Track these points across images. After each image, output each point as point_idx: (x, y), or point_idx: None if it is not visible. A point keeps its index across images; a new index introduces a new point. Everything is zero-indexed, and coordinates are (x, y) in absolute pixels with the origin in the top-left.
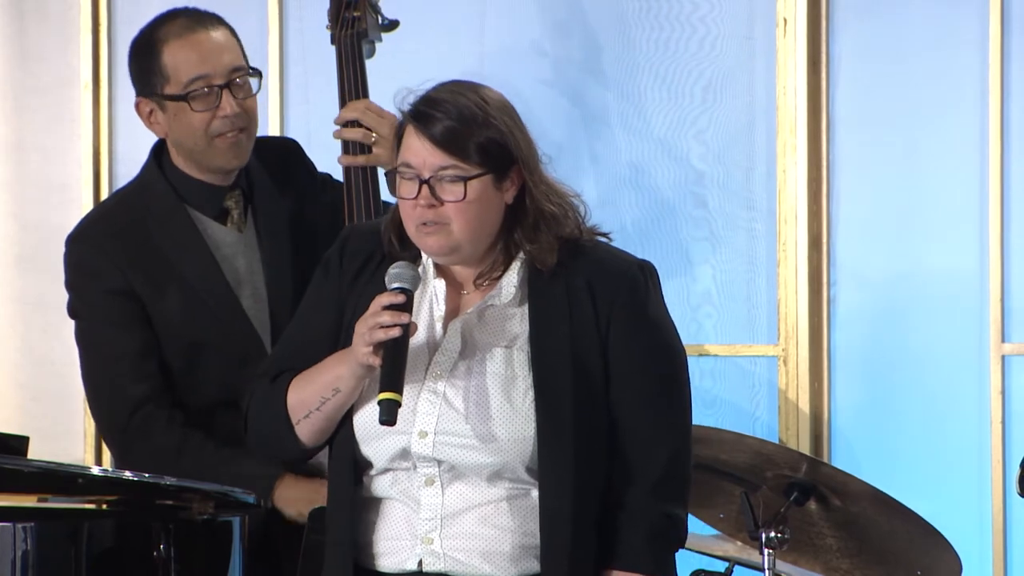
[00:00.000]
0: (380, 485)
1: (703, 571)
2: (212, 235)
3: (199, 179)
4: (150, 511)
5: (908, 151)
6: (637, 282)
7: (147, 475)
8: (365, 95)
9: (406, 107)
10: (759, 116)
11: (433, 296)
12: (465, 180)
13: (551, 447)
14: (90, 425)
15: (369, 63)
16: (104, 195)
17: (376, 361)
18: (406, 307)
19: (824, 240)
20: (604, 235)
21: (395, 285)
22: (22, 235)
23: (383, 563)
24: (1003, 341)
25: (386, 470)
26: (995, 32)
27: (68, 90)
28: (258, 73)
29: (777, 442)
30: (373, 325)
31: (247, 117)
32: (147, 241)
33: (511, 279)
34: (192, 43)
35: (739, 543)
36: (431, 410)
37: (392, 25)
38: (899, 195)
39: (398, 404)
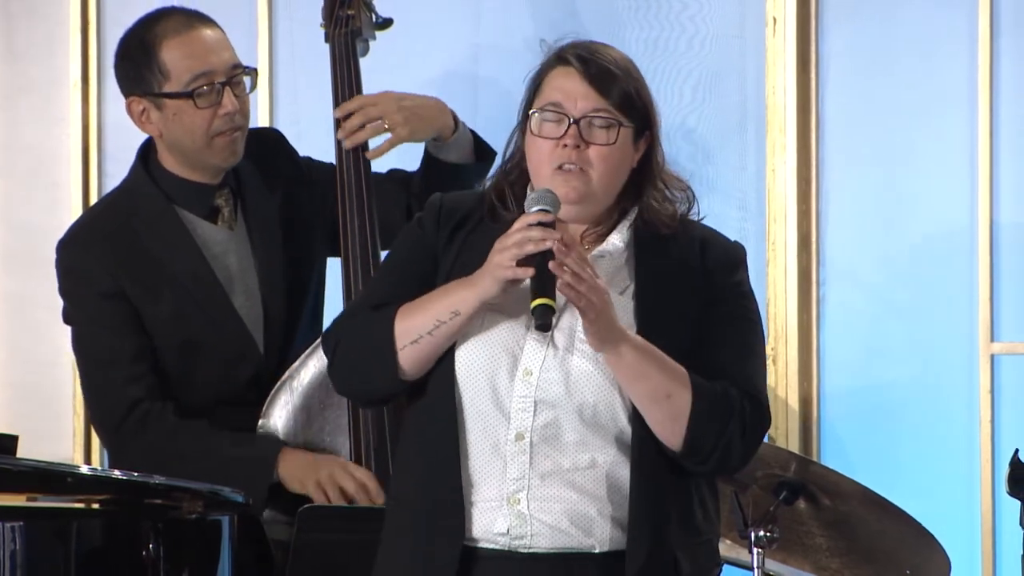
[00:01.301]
0: (470, 438)
1: None
2: (202, 234)
3: (188, 179)
4: (139, 510)
5: (898, 151)
6: (741, 262)
7: (136, 474)
8: (359, 93)
9: (558, 49)
10: (749, 115)
11: None
12: (619, 126)
13: None
14: (79, 425)
15: (363, 61)
16: (93, 195)
17: (522, 273)
18: (551, 226)
19: (814, 239)
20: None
21: (538, 207)
22: (10, 235)
23: (473, 527)
24: (992, 340)
25: (478, 417)
26: (984, 32)
27: (56, 89)
28: (254, 72)
29: (767, 441)
30: (522, 239)
31: (244, 116)
32: (137, 243)
33: (619, 236)
34: (192, 40)
35: (728, 542)
36: (538, 349)
37: (386, 23)
38: (889, 194)
39: (552, 310)
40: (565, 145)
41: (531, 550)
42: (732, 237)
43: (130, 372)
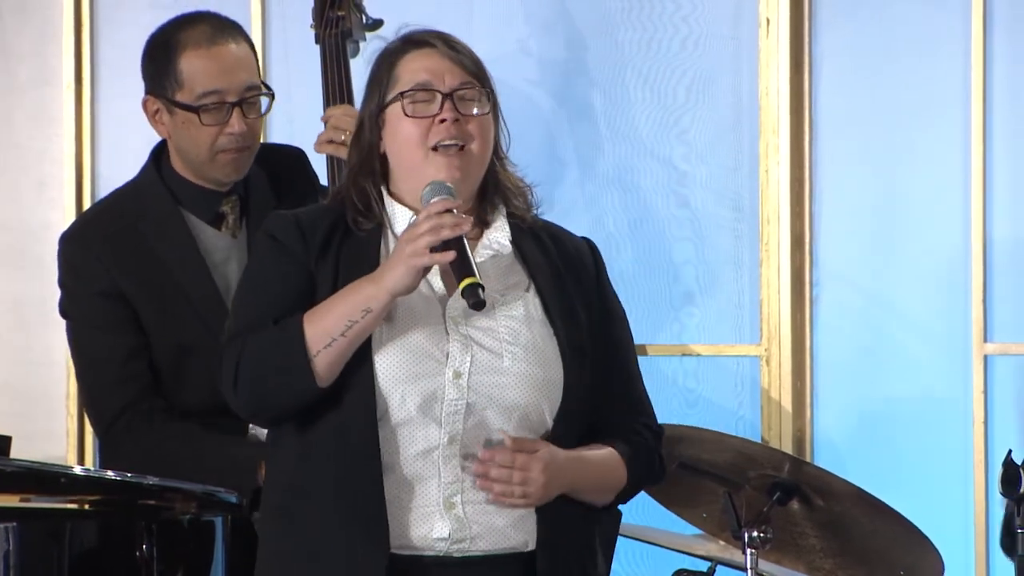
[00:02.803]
0: (396, 444)
1: (685, 571)
2: (205, 240)
3: (196, 183)
4: (133, 511)
5: (891, 152)
6: (600, 259)
7: (129, 475)
8: (350, 94)
9: (415, 35)
10: (742, 116)
11: None
12: (488, 95)
13: (575, 392)
14: (72, 425)
15: (353, 62)
16: (86, 195)
17: (441, 258)
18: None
19: (807, 240)
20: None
21: (441, 196)
22: (2, 234)
23: (411, 534)
24: (985, 341)
25: (405, 423)
26: (978, 32)
27: (49, 89)
28: (271, 93)
29: (760, 442)
30: (435, 226)
31: (252, 136)
32: (140, 244)
33: (502, 233)
34: (212, 55)
35: (722, 543)
36: (464, 351)
37: (376, 24)
38: (882, 195)
39: (481, 286)
40: (443, 120)
41: (466, 554)
42: (726, 238)
43: (123, 372)
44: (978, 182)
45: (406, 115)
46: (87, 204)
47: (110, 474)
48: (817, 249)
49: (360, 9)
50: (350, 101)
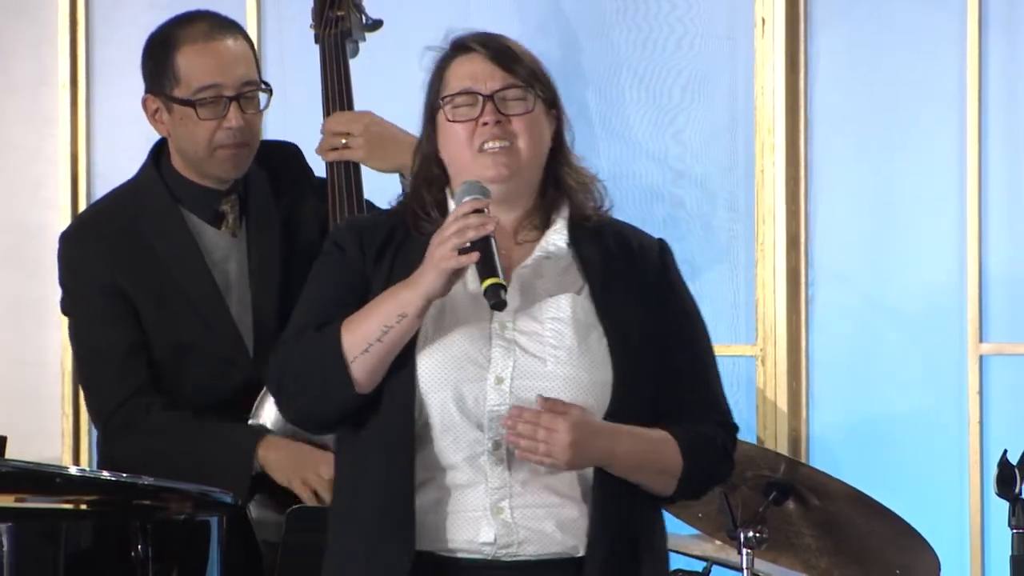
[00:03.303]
0: (439, 450)
1: (682, 571)
2: (205, 239)
3: (196, 182)
4: (128, 511)
5: (886, 151)
6: (671, 258)
7: (124, 475)
8: (349, 94)
9: (460, 40)
10: (738, 116)
11: None
12: (533, 93)
13: (627, 392)
14: (67, 426)
15: (353, 62)
16: (81, 195)
17: (466, 260)
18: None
19: (802, 240)
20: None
21: (471, 197)
22: None
23: (453, 537)
24: (981, 341)
25: (449, 430)
26: (973, 32)
27: (44, 89)
28: (269, 89)
29: (756, 442)
30: (461, 227)
31: (250, 132)
32: (139, 242)
33: (560, 235)
34: (209, 51)
35: (718, 543)
36: (506, 356)
37: (376, 25)
38: (877, 195)
39: (504, 288)
40: (485, 123)
41: (516, 558)
42: (722, 238)
43: (123, 367)
44: (973, 181)
45: (449, 120)
46: (82, 204)
47: (105, 474)
48: (813, 249)
49: (360, 9)
50: (350, 101)
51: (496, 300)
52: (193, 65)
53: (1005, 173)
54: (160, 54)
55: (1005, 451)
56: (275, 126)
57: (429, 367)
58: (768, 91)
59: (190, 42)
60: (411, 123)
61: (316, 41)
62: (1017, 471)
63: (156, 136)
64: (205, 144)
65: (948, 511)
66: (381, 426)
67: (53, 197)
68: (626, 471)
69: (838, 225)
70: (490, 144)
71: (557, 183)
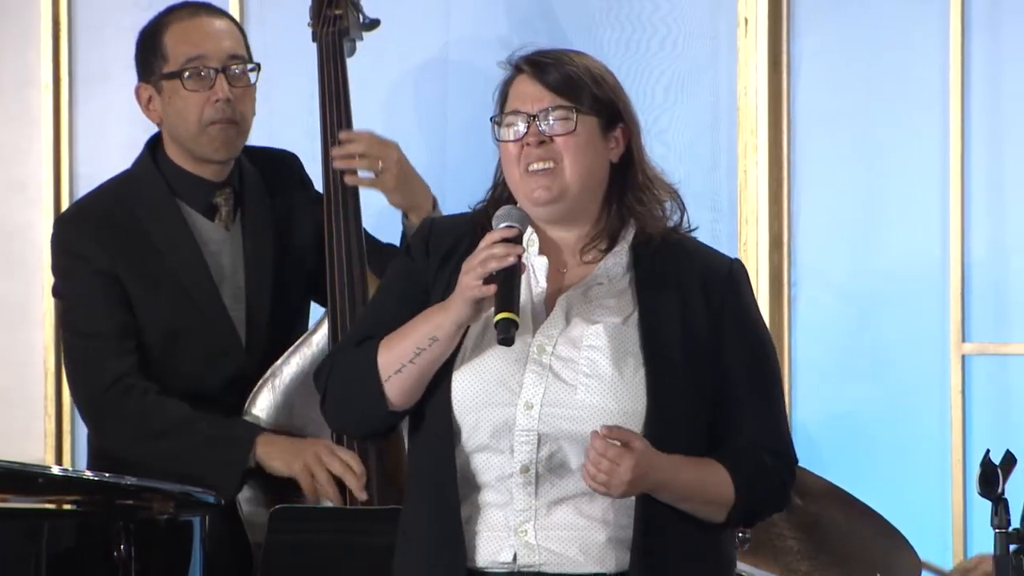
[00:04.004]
0: (473, 469)
1: None
2: (200, 230)
3: (192, 172)
4: (111, 511)
5: (869, 151)
6: (743, 280)
7: (107, 475)
8: (346, 93)
9: (514, 60)
10: (720, 116)
11: (532, 273)
12: (576, 113)
13: (661, 423)
14: (50, 426)
15: (350, 61)
16: (64, 196)
17: (487, 291)
18: (517, 241)
19: (785, 240)
20: (694, 231)
21: (505, 223)
22: None
23: (477, 556)
24: (963, 341)
25: (480, 450)
26: (956, 31)
27: (27, 90)
28: (257, 66)
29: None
30: (486, 257)
31: (240, 108)
32: (135, 229)
33: (620, 258)
34: (192, 27)
35: None
36: (538, 381)
37: (373, 24)
38: (860, 195)
39: (516, 324)
40: (528, 144)
41: (541, 569)
42: (703, 237)
43: (116, 347)
44: (956, 181)
45: (498, 139)
46: (65, 205)
47: (88, 474)
48: (795, 249)
49: (358, 8)
50: (347, 99)
51: (504, 336)
52: (179, 40)
53: (987, 174)
54: (149, 40)
55: (988, 451)
56: (258, 128)
57: (462, 388)
58: (751, 91)
59: (175, 22)
60: (394, 121)
61: (314, 39)
62: (1000, 471)
63: (138, 137)
64: (195, 120)
65: (931, 511)
66: (426, 440)
67: (37, 199)
68: (674, 500)
69: (821, 225)
70: (534, 165)
71: (620, 201)
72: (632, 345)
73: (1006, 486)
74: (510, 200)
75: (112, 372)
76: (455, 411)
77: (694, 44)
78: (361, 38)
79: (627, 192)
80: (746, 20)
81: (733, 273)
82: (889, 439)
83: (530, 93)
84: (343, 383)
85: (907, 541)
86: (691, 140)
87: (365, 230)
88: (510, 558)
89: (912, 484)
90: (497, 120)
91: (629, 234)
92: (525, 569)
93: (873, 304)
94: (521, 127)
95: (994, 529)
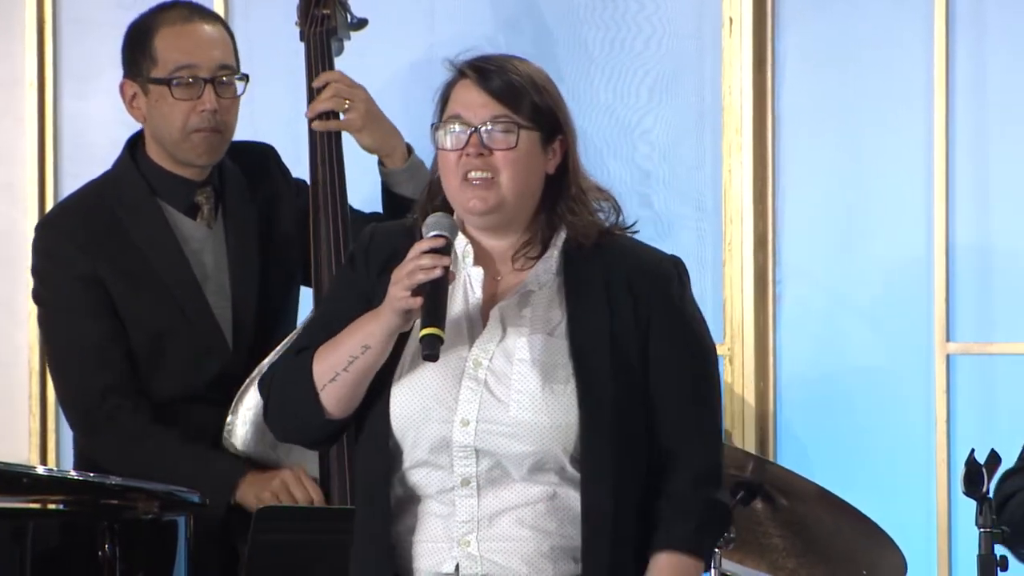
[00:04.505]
0: (413, 483)
1: None
2: (181, 229)
3: (172, 172)
4: (95, 511)
5: (854, 150)
6: (673, 278)
7: (92, 475)
8: None
9: (458, 63)
10: (705, 115)
11: (468, 283)
12: (518, 128)
13: (593, 433)
14: (35, 425)
15: (338, 60)
16: (49, 195)
17: (414, 303)
18: (446, 251)
19: (770, 239)
20: (632, 230)
21: (433, 233)
22: None
23: (418, 565)
24: (948, 340)
25: (421, 465)
26: (940, 31)
27: (12, 89)
28: (245, 77)
29: (723, 441)
30: (412, 269)
31: (225, 118)
32: (117, 230)
33: (549, 264)
34: (186, 32)
35: None
36: (472, 398)
37: (361, 24)
38: (845, 194)
39: (440, 340)
40: (468, 154)
41: None
42: (688, 237)
43: (101, 357)
44: (941, 180)
45: (438, 146)
46: (50, 204)
47: (72, 474)
48: (780, 248)
49: (345, 7)
50: None
51: (429, 352)
52: (170, 46)
53: (972, 172)
54: (139, 38)
55: (972, 450)
56: (243, 125)
57: (400, 404)
58: (735, 90)
59: (168, 25)
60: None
61: (301, 38)
62: (984, 470)
63: (124, 136)
64: (180, 127)
65: (916, 510)
66: (364, 453)
67: (22, 198)
68: None
69: (806, 224)
70: (473, 174)
71: (552, 211)
72: (561, 356)
73: (991, 485)
74: (445, 206)
75: (98, 385)
76: (394, 427)
77: (679, 43)
78: (349, 37)
79: (559, 202)
80: (731, 20)
81: (663, 270)
82: (874, 438)
83: (472, 100)
84: (283, 393)
85: (893, 542)
86: (676, 139)
87: (350, 205)
88: (452, 569)
89: (897, 483)
90: (438, 125)
91: (560, 239)
92: None
93: (858, 303)
94: (462, 137)
95: (979, 528)
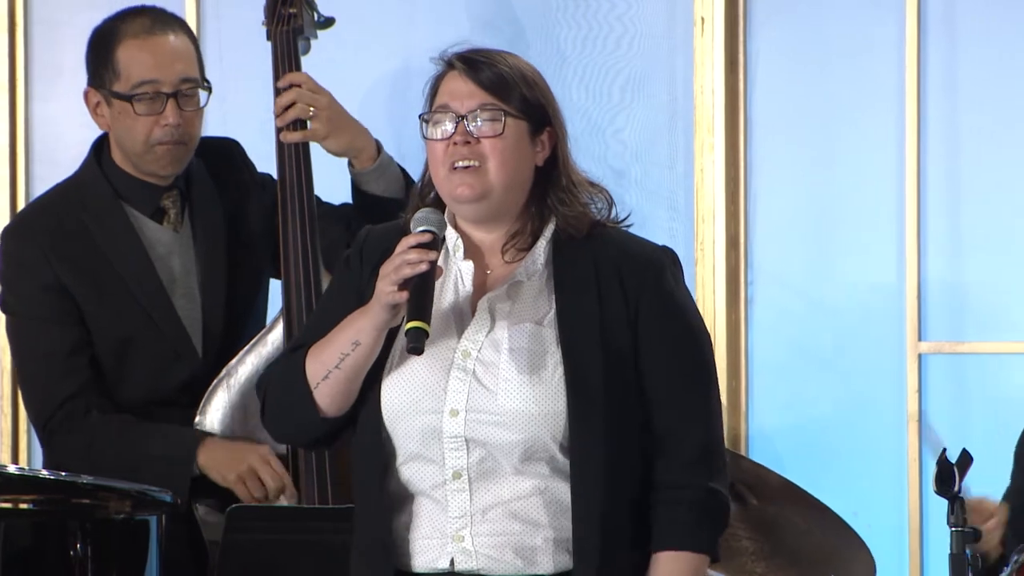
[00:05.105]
0: (407, 478)
1: None
2: (148, 234)
3: (137, 177)
4: (67, 510)
5: (825, 151)
6: (664, 267)
7: (63, 474)
8: None
9: (447, 56)
10: (677, 115)
11: (459, 276)
12: (505, 116)
13: (582, 421)
14: (6, 425)
15: (304, 59)
16: (20, 195)
17: (401, 297)
18: (433, 246)
19: (742, 239)
20: (625, 223)
21: (421, 228)
22: None
23: (415, 563)
24: (920, 340)
25: (413, 459)
26: (911, 33)
27: None
28: (208, 87)
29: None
30: (400, 263)
31: (188, 130)
32: (83, 237)
33: (539, 254)
34: (148, 46)
35: None
36: (461, 388)
37: (328, 22)
38: (816, 194)
39: (426, 333)
40: (455, 143)
41: (478, 573)
42: (660, 237)
43: (65, 366)
44: (912, 181)
45: (425, 137)
46: (21, 205)
47: (44, 473)
48: (752, 248)
49: (312, 7)
50: None
51: (414, 345)
52: (132, 60)
53: (944, 173)
54: (102, 48)
55: (944, 449)
56: (215, 125)
57: (390, 397)
58: (707, 90)
59: (131, 36)
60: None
61: (268, 38)
62: (956, 469)
63: (95, 137)
64: (143, 141)
65: (887, 509)
66: (359, 449)
67: None
68: None
69: (777, 225)
70: (459, 163)
71: (541, 201)
72: (550, 345)
73: (962, 485)
74: (439, 202)
75: (60, 394)
76: (385, 420)
77: (651, 43)
78: (316, 36)
79: (549, 193)
80: (703, 20)
81: (654, 260)
82: (846, 438)
83: (460, 90)
84: (278, 393)
85: (863, 543)
86: (648, 139)
87: (318, 197)
88: (447, 564)
89: (869, 483)
90: (426, 117)
91: (549, 230)
92: (463, 574)
93: (830, 303)
94: (449, 126)
95: (950, 528)
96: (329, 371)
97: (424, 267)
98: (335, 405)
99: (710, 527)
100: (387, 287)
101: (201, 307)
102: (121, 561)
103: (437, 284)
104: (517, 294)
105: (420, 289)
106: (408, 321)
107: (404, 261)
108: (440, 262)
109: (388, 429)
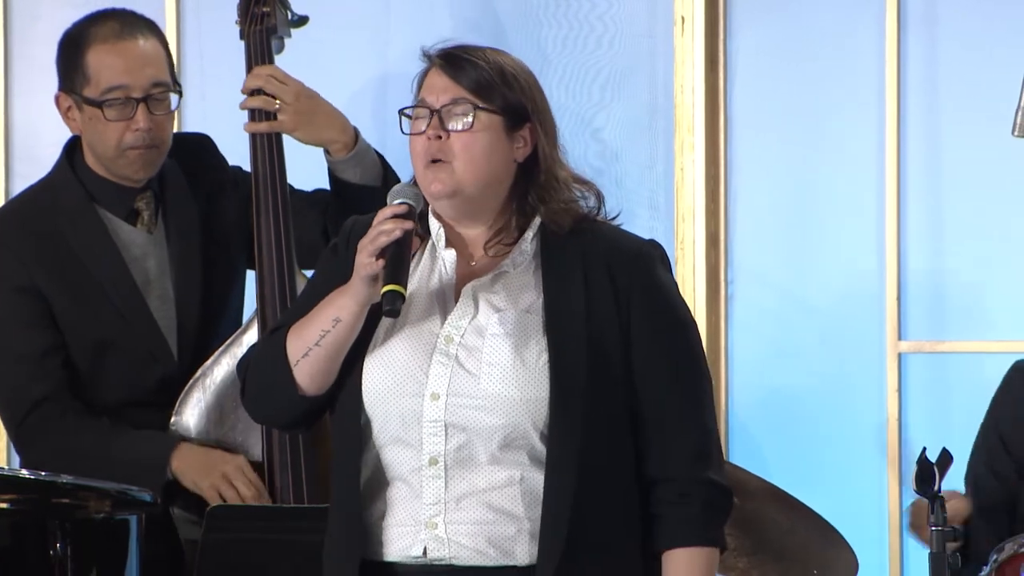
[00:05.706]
0: (385, 463)
1: None
2: (122, 236)
3: (110, 180)
4: (46, 510)
5: (806, 150)
6: (654, 261)
7: (43, 474)
8: None
9: (432, 53)
10: (657, 114)
11: (442, 264)
12: (475, 109)
13: (564, 409)
14: None
15: (278, 58)
16: (0, 192)
17: (378, 266)
18: (409, 216)
19: (722, 238)
20: (614, 220)
21: (398, 200)
22: None
23: (388, 550)
24: (900, 339)
25: (392, 443)
26: (891, 32)
27: None
28: (179, 91)
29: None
30: (376, 234)
31: (160, 134)
32: (56, 239)
33: (526, 247)
34: (118, 51)
35: None
36: (443, 372)
37: (302, 21)
38: (797, 193)
39: (402, 297)
40: (428, 137)
41: (451, 563)
42: (641, 236)
43: (37, 369)
44: (892, 180)
45: (403, 131)
46: (0, 202)
47: (24, 473)
48: (732, 247)
49: (285, 5)
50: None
51: (390, 307)
52: (102, 65)
53: (924, 172)
54: (72, 52)
55: (924, 449)
56: (195, 122)
57: (371, 379)
58: (688, 89)
59: (100, 41)
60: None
61: (241, 37)
62: (936, 469)
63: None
64: (114, 145)
65: (867, 509)
66: (338, 431)
67: None
68: None
69: (758, 224)
70: (430, 159)
71: (524, 196)
72: (535, 331)
73: (942, 483)
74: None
75: (32, 397)
76: (365, 402)
77: (631, 42)
78: (289, 35)
79: (530, 190)
80: (683, 19)
81: (642, 253)
82: (826, 437)
83: (437, 85)
84: (259, 372)
85: (845, 540)
86: (628, 138)
87: (291, 185)
88: (420, 552)
89: (849, 482)
90: (406, 112)
91: (535, 225)
92: (436, 563)
93: (810, 302)
94: (423, 121)
95: (930, 527)
96: (309, 348)
97: (399, 233)
98: (315, 383)
99: (717, 520)
100: (365, 259)
101: (176, 308)
102: (101, 561)
103: (420, 272)
104: (503, 283)
105: (396, 255)
106: (383, 285)
107: (380, 231)
108: (425, 252)
109: (368, 412)
